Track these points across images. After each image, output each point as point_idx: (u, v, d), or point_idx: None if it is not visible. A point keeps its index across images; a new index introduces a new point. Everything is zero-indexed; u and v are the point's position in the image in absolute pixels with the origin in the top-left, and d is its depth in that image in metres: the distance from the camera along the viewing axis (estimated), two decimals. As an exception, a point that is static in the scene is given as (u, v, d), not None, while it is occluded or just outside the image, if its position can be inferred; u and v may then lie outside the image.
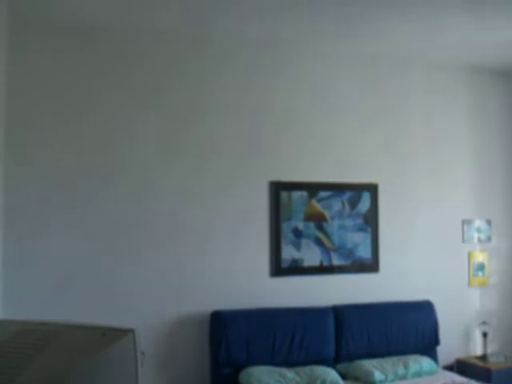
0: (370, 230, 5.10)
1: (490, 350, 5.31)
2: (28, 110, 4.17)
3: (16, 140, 4.10)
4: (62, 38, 4.28)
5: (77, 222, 4.25)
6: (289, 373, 4.26)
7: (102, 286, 4.28)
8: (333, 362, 4.63)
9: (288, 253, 4.84)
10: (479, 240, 5.50)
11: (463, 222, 5.45)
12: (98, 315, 3.95)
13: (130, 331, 1.56)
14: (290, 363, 4.45)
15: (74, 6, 4.00)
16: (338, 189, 5.01)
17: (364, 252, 5.08)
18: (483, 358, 5.18)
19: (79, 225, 4.26)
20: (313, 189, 4.93)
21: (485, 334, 5.27)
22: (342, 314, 4.73)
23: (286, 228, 4.84)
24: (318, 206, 4.95)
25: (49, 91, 4.24)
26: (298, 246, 4.87)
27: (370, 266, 5.10)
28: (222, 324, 4.39)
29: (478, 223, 5.50)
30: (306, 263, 4.90)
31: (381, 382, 4.38)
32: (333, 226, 4.99)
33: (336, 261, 4.99)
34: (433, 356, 4.92)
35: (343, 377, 4.47)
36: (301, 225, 4.89)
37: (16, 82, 4.11)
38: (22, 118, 4.14)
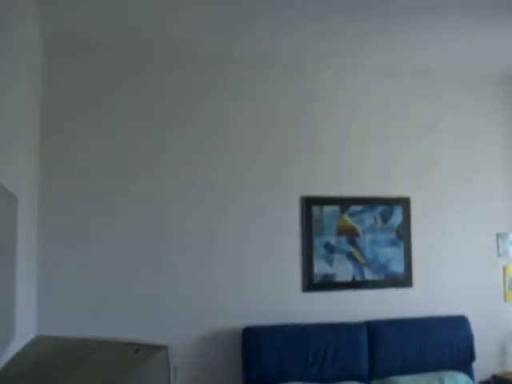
0: (402, 244, 5.06)
1: (527, 366, 5.22)
2: (60, 131, 4.26)
3: (51, 154, 4.20)
4: (92, 56, 4.38)
5: (112, 238, 4.31)
6: (322, 389, 4.24)
7: (136, 301, 4.32)
8: (367, 379, 4.59)
9: (320, 268, 4.82)
10: (515, 254, 5.43)
11: (498, 235, 5.37)
12: (131, 331, 4.00)
13: (164, 348, 1.58)
14: (323, 379, 4.42)
15: (101, 24, 4.10)
16: (369, 203, 4.99)
17: (397, 267, 5.04)
18: (521, 373, 5.09)
19: (114, 241, 4.31)
20: (344, 203, 4.92)
21: (522, 350, 5.19)
22: (375, 330, 4.69)
23: (317, 243, 4.83)
24: (349, 221, 4.93)
25: (81, 109, 4.33)
26: (330, 261, 4.85)
27: (404, 280, 5.06)
28: (254, 340, 4.38)
29: (513, 236, 5.42)
30: (339, 278, 4.88)
31: (416, 398, 4.33)
32: (365, 240, 4.96)
33: (369, 275, 4.96)
34: (469, 372, 4.84)
35: (377, 393, 4.44)
36: (333, 240, 4.87)
37: (49, 101, 4.22)
38: (56, 136, 4.24)
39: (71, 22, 4.01)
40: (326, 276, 4.84)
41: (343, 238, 4.90)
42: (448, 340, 4.81)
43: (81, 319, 4.12)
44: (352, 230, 4.94)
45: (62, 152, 4.24)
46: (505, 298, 5.35)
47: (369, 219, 4.99)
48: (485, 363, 5.10)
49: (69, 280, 4.18)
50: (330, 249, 4.86)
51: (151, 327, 4.25)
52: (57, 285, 4.14)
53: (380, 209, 5.02)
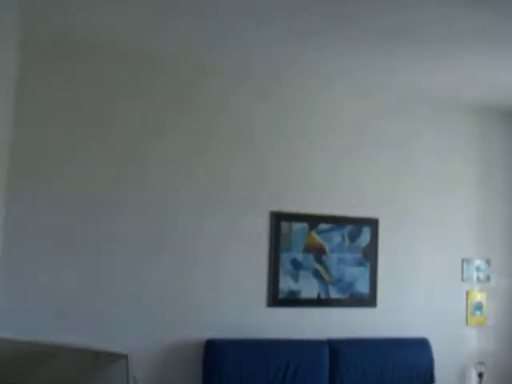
0: (368, 264, 5.09)
1: (485, 391, 5.26)
2: (34, 139, 4.19)
3: (19, 168, 4.10)
4: (72, 60, 4.32)
5: (77, 242, 4.24)
6: (281, 405, 4.22)
7: (97, 311, 4.25)
8: (326, 397, 4.59)
9: (286, 284, 4.82)
10: (478, 279, 5.48)
11: (463, 260, 5.43)
12: (91, 340, 3.92)
13: (124, 356, 1.56)
14: (283, 396, 4.41)
15: (84, 28, 4.07)
16: (338, 222, 5.01)
17: (362, 286, 5.06)
18: (478, 399, 5.13)
19: (79, 245, 4.25)
20: (313, 221, 4.93)
21: (481, 375, 5.22)
22: (337, 348, 4.70)
23: (285, 259, 4.83)
24: (317, 238, 4.94)
25: (58, 115, 4.27)
26: (295, 278, 4.85)
27: (368, 300, 5.08)
28: (216, 353, 4.36)
29: (477, 262, 5.48)
30: (304, 295, 4.88)
31: (374, 418, 4.34)
32: (332, 258, 4.98)
33: (333, 294, 4.97)
34: (427, 395, 4.88)
35: (336, 412, 4.44)
36: (300, 256, 4.88)
37: (24, 105, 4.15)
38: (27, 148, 4.16)
39: (48, 22, 3.98)
40: (291, 292, 4.84)
41: (310, 255, 4.91)
42: (409, 362, 4.84)
43: (40, 323, 4.02)
44: (319, 247, 4.95)
45: (34, 155, 4.17)
46: (466, 323, 5.40)
47: (337, 238, 5.01)
48: (444, 387, 5.14)
49: (30, 281, 4.10)
50: (296, 265, 4.86)
51: (112, 336, 4.17)
52: (17, 286, 4.06)
53: (348, 228, 5.05)
